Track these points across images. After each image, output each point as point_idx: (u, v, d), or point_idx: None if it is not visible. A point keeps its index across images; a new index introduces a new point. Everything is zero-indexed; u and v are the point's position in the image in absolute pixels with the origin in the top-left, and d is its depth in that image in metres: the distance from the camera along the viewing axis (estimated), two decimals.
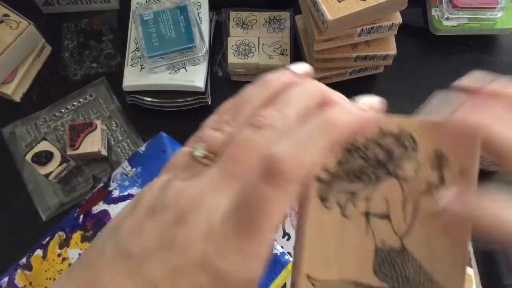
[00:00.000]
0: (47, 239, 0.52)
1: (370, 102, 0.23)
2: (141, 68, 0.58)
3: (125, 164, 0.55)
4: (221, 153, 0.21)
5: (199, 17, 0.61)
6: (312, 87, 0.23)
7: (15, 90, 0.61)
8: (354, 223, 0.22)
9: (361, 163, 0.22)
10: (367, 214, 0.22)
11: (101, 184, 0.54)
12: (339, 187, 0.22)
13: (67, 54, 0.65)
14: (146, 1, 0.62)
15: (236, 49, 0.61)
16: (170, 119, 0.61)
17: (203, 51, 0.57)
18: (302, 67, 0.24)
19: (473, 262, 0.51)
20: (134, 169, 0.54)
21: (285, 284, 0.48)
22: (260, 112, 0.21)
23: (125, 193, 0.53)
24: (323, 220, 0.22)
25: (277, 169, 0.18)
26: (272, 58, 0.61)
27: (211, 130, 0.22)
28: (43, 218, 0.56)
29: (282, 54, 0.61)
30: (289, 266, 0.48)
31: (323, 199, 0.22)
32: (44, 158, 0.55)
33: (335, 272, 0.22)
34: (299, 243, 0.22)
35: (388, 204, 0.22)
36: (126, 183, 0.53)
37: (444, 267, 0.22)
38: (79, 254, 0.51)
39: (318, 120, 0.20)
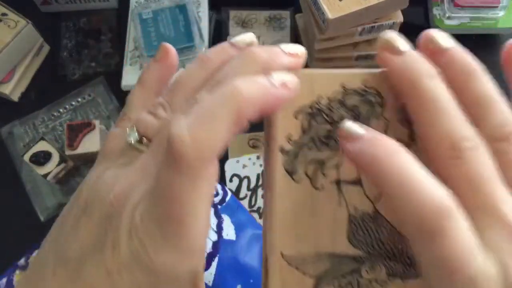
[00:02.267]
0: None
1: (293, 50, 0.20)
2: (140, 67, 0.57)
3: None
4: (154, 139, 0.20)
5: (198, 16, 0.60)
6: (250, 58, 0.20)
7: (13, 89, 0.61)
8: (325, 194, 0.20)
9: (327, 128, 0.20)
10: (338, 182, 0.20)
11: None
12: (306, 157, 0.20)
13: (65, 54, 0.65)
14: (145, 0, 0.61)
15: None
16: None
17: (203, 50, 0.57)
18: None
19: None
20: None
21: None
22: (194, 95, 0.20)
23: None
24: (293, 195, 0.20)
25: (176, 152, 0.16)
26: None
27: (146, 114, 0.21)
28: (42, 219, 0.56)
29: None
30: None
31: (290, 172, 0.20)
32: (42, 158, 0.54)
33: (309, 246, 0.20)
34: (269, 221, 0.20)
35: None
36: None
37: None
38: None
39: (223, 90, 0.17)
